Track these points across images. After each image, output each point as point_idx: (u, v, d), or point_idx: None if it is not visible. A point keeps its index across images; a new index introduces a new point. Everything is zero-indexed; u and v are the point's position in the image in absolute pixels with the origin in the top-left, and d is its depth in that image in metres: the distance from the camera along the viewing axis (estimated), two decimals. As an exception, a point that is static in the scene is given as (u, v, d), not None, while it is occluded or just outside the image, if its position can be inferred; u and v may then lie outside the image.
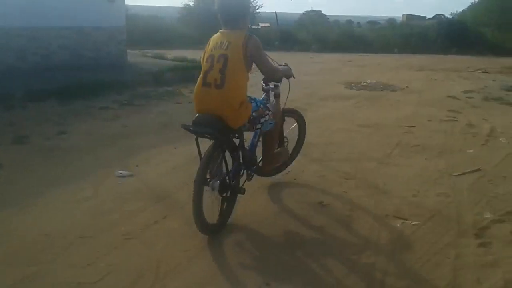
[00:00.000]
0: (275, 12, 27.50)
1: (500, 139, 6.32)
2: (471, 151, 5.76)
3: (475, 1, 29.70)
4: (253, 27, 24.80)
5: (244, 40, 3.21)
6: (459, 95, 9.76)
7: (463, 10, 31.27)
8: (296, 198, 4.22)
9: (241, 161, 3.58)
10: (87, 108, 7.64)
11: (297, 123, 4.80)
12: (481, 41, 21.43)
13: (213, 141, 3.26)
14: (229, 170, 3.41)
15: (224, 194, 3.39)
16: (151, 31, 20.02)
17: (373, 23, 36.05)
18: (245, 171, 3.74)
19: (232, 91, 3.18)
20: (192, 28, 22.03)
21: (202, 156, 3.22)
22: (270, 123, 3.75)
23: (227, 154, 3.43)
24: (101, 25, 11.85)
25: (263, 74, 3.68)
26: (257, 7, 26.37)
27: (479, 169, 4.97)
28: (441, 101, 9.08)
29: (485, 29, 22.83)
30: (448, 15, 32.77)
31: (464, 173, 4.88)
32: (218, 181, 3.28)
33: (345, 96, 9.63)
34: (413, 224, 3.68)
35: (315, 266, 3.07)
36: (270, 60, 3.54)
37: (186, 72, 10.75)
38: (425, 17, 36.96)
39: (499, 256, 3.19)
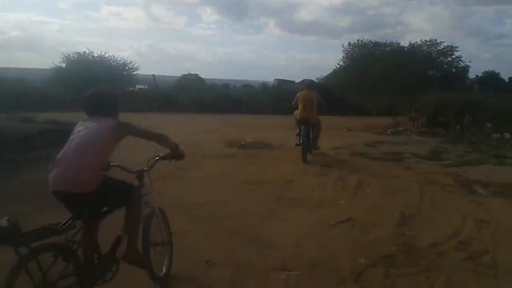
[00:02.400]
0: (153, 74, 27.69)
1: (367, 190, 7.02)
2: (343, 202, 6.29)
3: (336, 68, 33.43)
4: (130, 88, 24.53)
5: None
6: (328, 151, 10.67)
7: (327, 75, 34.97)
8: (182, 259, 4.13)
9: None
10: None
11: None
12: (345, 103, 23.96)
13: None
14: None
15: None
16: (19, 94, 18.64)
17: (248, 86, 38.13)
18: None
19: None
20: (63, 91, 20.93)
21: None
22: None
23: None
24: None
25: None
26: (134, 69, 26.28)
27: (351, 219, 5.44)
28: (312, 158, 9.81)
29: (347, 92, 25.70)
30: (314, 79, 36.34)
31: (338, 223, 5.29)
32: None
33: (227, 155, 9.91)
34: (297, 275, 3.85)
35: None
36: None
37: (58, 136, 10.09)
38: (294, 81, 40.35)
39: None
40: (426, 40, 31.33)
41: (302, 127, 9.39)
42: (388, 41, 32.48)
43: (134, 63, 25.94)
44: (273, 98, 24.19)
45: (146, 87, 26.76)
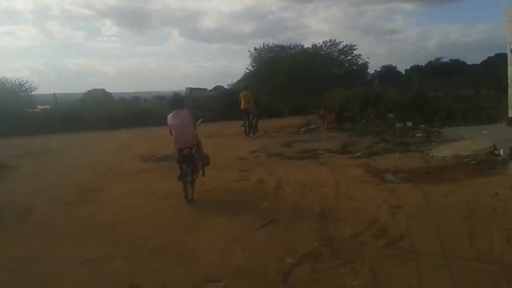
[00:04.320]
0: (54, 93, 25.94)
1: (286, 189, 7.12)
2: (265, 204, 6.30)
3: (246, 73, 33.94)
4: (30, 110, 22.80)
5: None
6: (246, 155, 10.72)
7: (238, 80, 35.35)
8: (104, 285, 3.84)
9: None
10: None
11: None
12: (257, 106, 24.27)
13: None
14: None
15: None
16: None
17: (159, 97, 37.27)
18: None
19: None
20: None
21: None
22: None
23: None
24: None
25: None
26: (31, 90, 24.41)
27: (274, 220, 5.45)
28: (232, 163, 9.79)
29: (259, 95, 26.14)
30: (225, 86, 36.58)
31: (262, 226, 5.27)
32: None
33: (143, 170, 9.54)
34: (225, 284, 3.75)
35: None
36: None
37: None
38: (206, 89, 40.25)
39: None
40: (326, 41, 33.09)
41: (245, 115, 14.54)
42: (292, 44, 33.82)
43: (31, 82, 24.14)
44: (186, 107, 23.82)
45: (48, 107, 25.00)
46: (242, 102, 14.70)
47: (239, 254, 4.44)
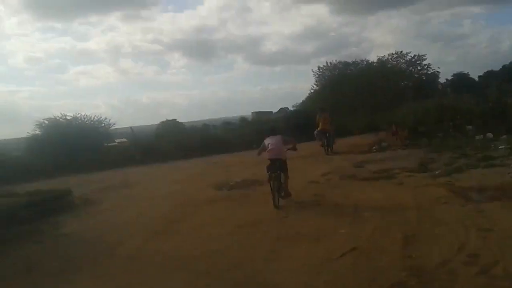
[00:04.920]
0: (131, 127, 27.50)
1: (365, 214, 6.92)
2: (343, 231, 6.16)
3: (311, 93, 33.91)
4: (109, 144, 24.19)
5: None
6: (318, 178, 10.60)
7: (303, 101, 35.37)
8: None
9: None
10: None
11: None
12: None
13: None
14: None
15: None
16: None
17: (227, 123, 38.25)
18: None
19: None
20: (41, 159, 20.41)
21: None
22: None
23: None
24: None
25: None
26: (110, 125, 26.04)
27: (354, 248, 5.31)
28: (305, 187, 9.72)
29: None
30: (290, 107, 36.77)
31: (342, 255, 5.15)
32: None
33: (217, 199, 9.73)
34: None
35: None
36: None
37: (46, 206, 9.80)
38: (271, 111, 40.74)
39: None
40: (392, 53, 32.23)
41: (323, 136, 15.41)
42: (357, 60, 33.33)
43: (109, 118, 25.73)
44: (253, 131, 24.18)
45: (126, 140, 26.51)
46: (320, 124, 15.32)
47: (322, 286, 4.36)
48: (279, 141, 8.84)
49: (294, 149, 9.12)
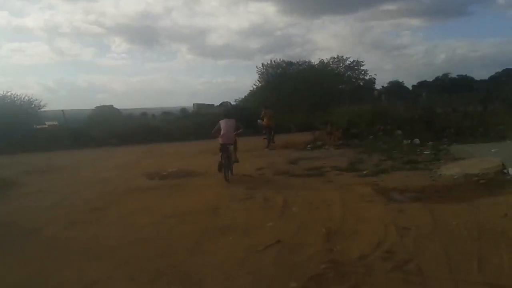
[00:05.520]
0: (62, 110, 26.19)
1: (293, 209, 7.04)
2: (271, 224, 6.23)
3: (253, 89, 34.11)
4: (38, 126, 22.97)
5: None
6: (252, 172, 10.68)
7: (245, 96, 35.50)
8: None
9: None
10: None
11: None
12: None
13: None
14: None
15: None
16: None
17: (167, 113, 37.52)
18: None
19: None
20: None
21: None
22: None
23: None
24: None
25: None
26: (40, 106, 24.68)
27: (279, 241, 5.38)
28: (240, 180, 9.75)
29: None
30: (232, 102, 36.74)
31: (266, 247, 5.20)
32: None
33: (148, 188, 9.52)
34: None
35: None
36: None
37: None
38: (213, 105, 40.49)
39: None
40: (333, 57, 33.27)
41: (267, 131, 16.54)
42: (300, 60, 34.02)
43: (40, 100, 24.41)
44: (193, 124, 23.94)
45: (57, 123, 25.21)
46: (265, 119, 16.65)
47: (244, 277, 4.37)
48: (232, 126, 10.20)
49: (240, 134, 10.47)
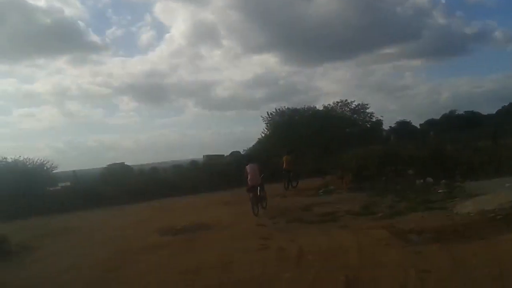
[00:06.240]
0: (74, 170, 26.50)
1: (308, 257, 6.91)
2: (287, 275, 6.10)
3: (261, 137, 34.36)
4: (51, 188, 23.14)
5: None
6: (266, 222, 10.58)
7: (253, 145, 35.68)
8: None
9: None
10: None
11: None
12: (273, 169, 24.19)
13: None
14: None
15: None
16: None
17: (177, 166, 37.57)
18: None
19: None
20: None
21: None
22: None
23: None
24: None
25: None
26: (52, 168, 24.93)
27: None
28: (252, 231, 9.65)
29: (274, 159, 26.21)
30: (241, 151, 36.91)
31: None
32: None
33: (162, 244, 9.41)
34: None
35: None
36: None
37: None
38: (223, 155, 40.67)
39: None
40: (337, 102, 33.64)
41: (286, 175, 17.74)
42: (305, 106, 34.41)
43: (52, 162, 24.70)
44: (204, 175, 24.00)
45: (69, 183, 25.41)
46: (285, 164, 17.78)
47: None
48: (256, 170, 12.47)
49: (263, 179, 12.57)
